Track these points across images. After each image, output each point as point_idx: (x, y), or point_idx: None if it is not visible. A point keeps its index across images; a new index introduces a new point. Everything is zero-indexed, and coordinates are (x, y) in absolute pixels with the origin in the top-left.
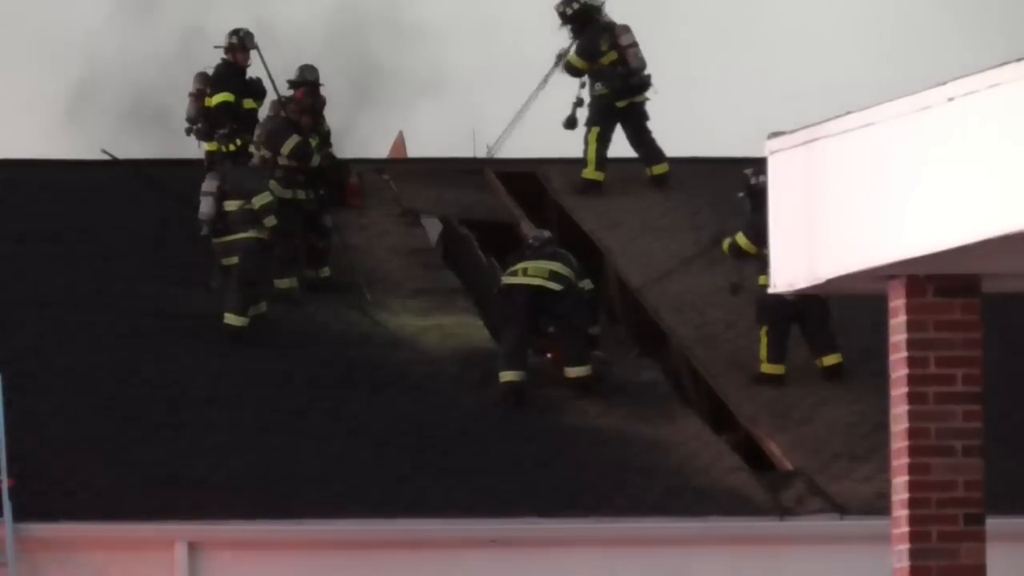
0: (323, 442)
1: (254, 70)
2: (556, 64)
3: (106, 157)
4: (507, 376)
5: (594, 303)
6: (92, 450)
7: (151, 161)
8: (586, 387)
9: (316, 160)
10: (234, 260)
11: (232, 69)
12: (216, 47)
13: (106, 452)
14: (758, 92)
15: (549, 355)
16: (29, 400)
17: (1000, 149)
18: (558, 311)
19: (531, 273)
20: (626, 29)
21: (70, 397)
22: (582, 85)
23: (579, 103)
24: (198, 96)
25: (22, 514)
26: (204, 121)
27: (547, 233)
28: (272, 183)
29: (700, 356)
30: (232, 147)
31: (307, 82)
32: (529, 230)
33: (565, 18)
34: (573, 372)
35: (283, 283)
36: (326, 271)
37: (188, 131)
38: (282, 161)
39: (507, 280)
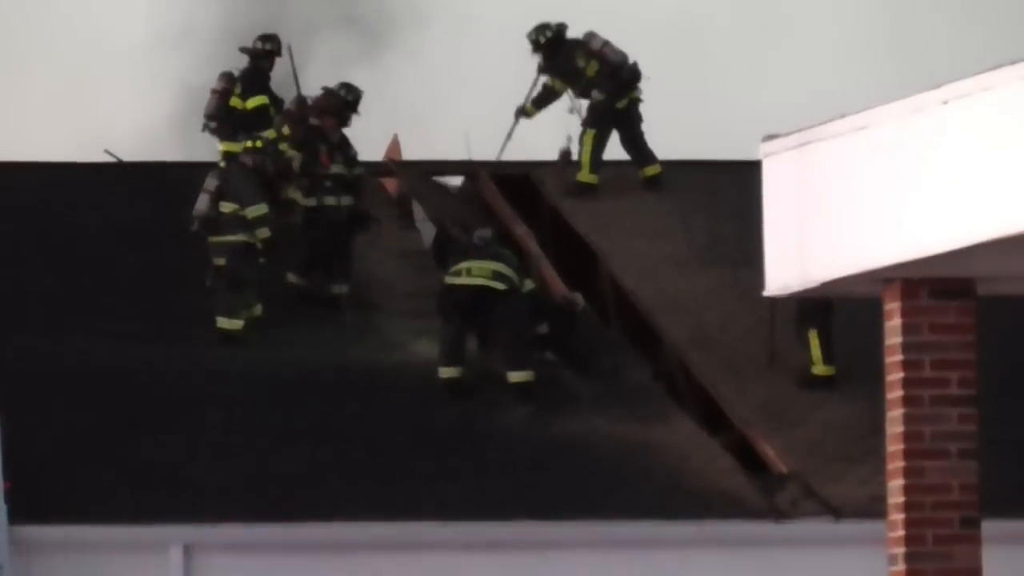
0: (317, 445)
1: (284, 80)
2: (516, 120)
3: (110, 159)
4: (446, 372)
5: (540, 302)
6: (87, 452)
7: (154, 164)
8: (528, 392)
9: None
10: (222, 261)
11: (259, 74)
12: (242, 49)
13: (101, 454)
14: (751, 94)
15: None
16: (23, 402)
17: (994, 152)
18: (499, 311)
19: (475, 273)
20: (592, 35)
21: (64, 399)
22: (570, 108)
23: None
24: (222, 95)
25: (17, 516)
26: (225, 120)
27: (490, 232)
28: (294, 191)
29: (694, 358)
30: (253, 144)
31: (327, 89)
32: (475, 227)
33: (538, 46)
34: (515, 376)
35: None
36: (344, 288)
37: (204, 127)
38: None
39: (451, 280)
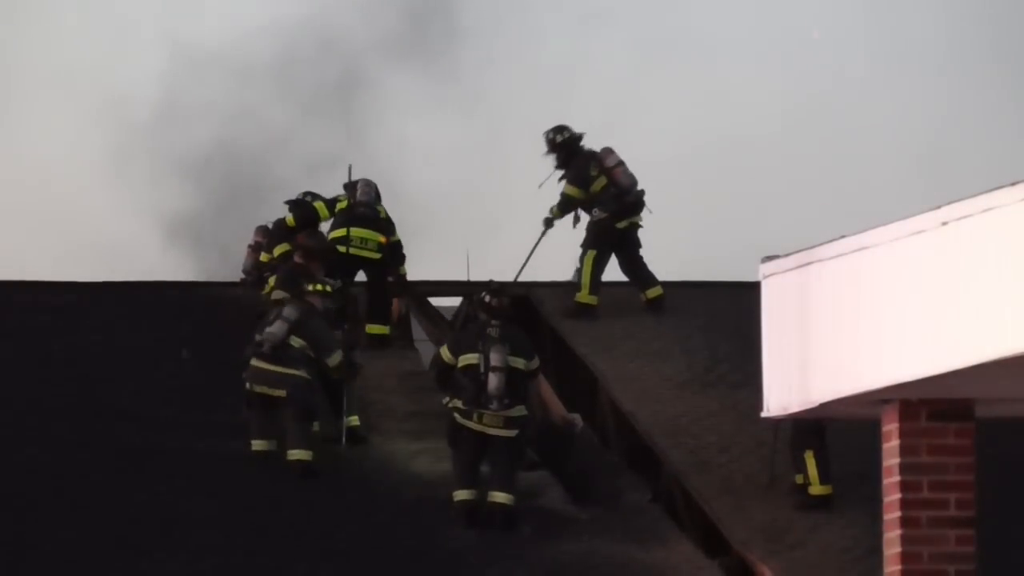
0: (315, 566)
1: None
2: (545, 231)
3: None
4: (461, 495)
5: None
6: (84, 571)
7: (156, 283)
8: (510, 516)
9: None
10: (281, 392)
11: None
12: (285, 202)
13: (98, 574)
14: (752, 215)
15: None
16: (21, 518)
17: (993, 273)
18: (504, 446)
19: (487, 422)
20: (609, 151)
21: (63, 516)
22: (576, 219)
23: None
24: (256, 248)
25: None
26: (258, 273)
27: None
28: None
29: (693, 480)
30: (323, 289)
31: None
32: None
33: (553, 145)
34: (499, 497)
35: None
36: (355, 420)
37: (243, 281)
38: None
39: (462, 421)
